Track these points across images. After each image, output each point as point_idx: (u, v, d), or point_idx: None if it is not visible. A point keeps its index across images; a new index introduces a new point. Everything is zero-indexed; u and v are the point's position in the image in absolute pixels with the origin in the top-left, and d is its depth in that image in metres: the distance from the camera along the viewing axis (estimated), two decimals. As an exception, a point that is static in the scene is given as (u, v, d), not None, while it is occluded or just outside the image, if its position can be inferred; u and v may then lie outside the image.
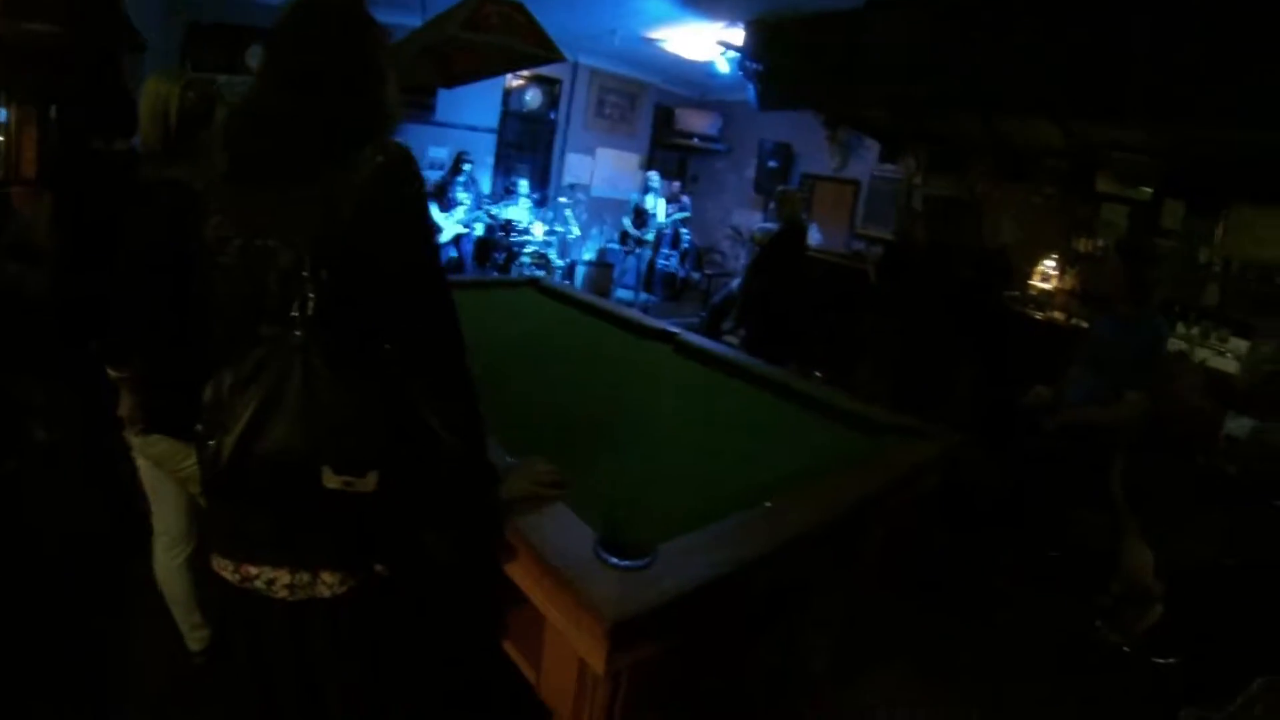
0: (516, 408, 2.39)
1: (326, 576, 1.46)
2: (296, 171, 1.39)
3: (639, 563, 1.43)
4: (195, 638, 2.54)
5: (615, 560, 1.42)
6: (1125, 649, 3.45)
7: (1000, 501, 4.39)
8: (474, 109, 9.49)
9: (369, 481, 1.39)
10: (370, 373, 1.43)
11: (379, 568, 1.54)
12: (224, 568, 1.50)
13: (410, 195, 1.43)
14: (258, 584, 1.46)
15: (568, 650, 1.49)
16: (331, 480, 1.36)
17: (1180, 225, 6.48)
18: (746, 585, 1.64)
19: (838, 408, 2.82)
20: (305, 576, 1.45)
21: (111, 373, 2.13)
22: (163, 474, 2.32)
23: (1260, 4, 3.83)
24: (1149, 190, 6.62)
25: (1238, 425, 3.58)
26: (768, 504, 1.84)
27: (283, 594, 1.46)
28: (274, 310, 1.36)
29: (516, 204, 9.18)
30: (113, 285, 2.05)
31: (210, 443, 1.38)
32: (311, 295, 1.34)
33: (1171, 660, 3.36)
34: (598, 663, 1.37)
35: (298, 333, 1.35)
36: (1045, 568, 4.05)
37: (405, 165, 1.41)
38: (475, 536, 1.64)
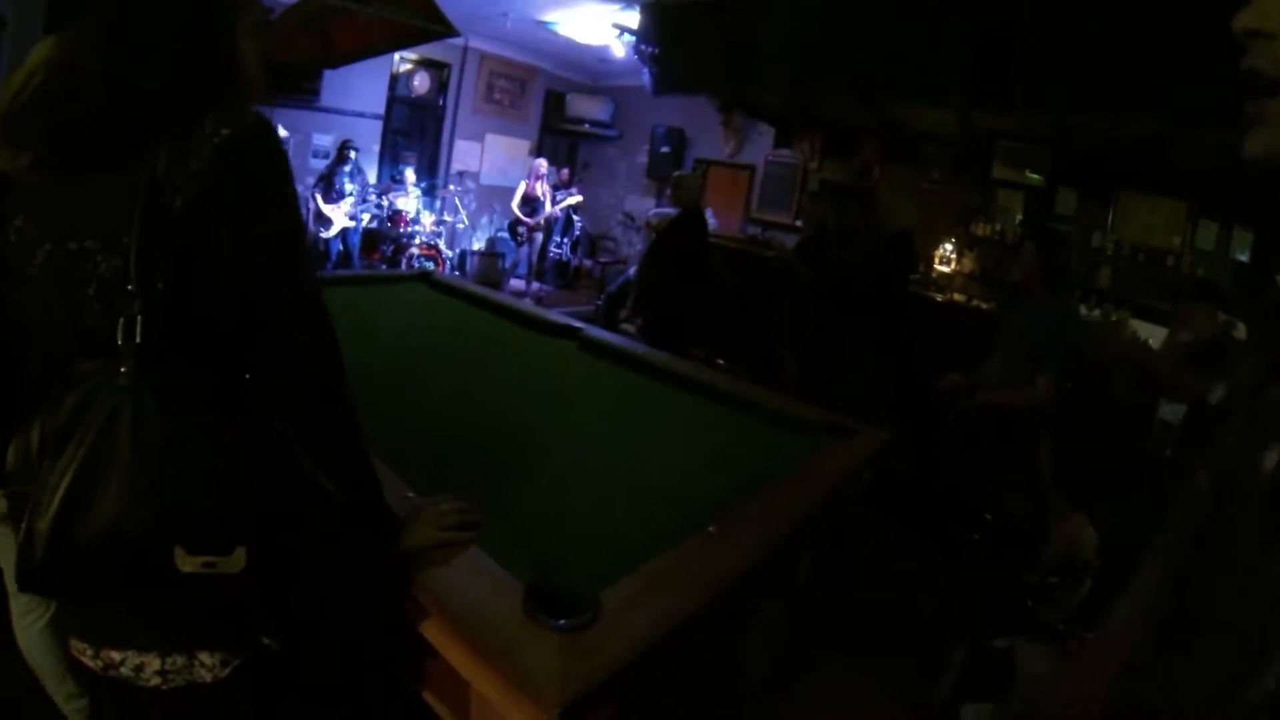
0: (412, 427, 2.12)
1: (205, 658, 1.16)
2: (117, 151, 1.04)
3: (580, 620, 1.19)
4: (72, 709, 2.15)
5: (552, 621, 1.18)
6: (1060, 627, 3.42)
7: (918, 486, 4.36)
8: (360, 94, 9.08)
9: (237, 559, 1.07)
10: (223, 415, 1.11)
11: (268, 642, 1.25)
12: (81, 651, 1.18)
13: (268, 179, 1.11)
14: (124, 671, 1.15)
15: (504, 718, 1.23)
16: (187, 563, 1.04)
17: (1074, 211, 6.73)
18: (702, 624, 1.43)
19: (761, 406, 2.65)
20: (179, 660, 1.15)
21: None
22: (6, 529, 1.97)
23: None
24: (1040, 177, 6.82)
25: (1171, 411, 3.63)
26: (711, 529, 1.63)
27: (154, 681, 1.15)
28: (94, 337, 1.03)
29: (405, 193, 8.80)
30: None
31: (21, 526, 1.03)
32: (141, 315, 1.02)
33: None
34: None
35: (124, 367, 1.01)
36: (969, 551, 4.03)
37: (260, 138, 1.09)
38: (377, 600, 1.38)
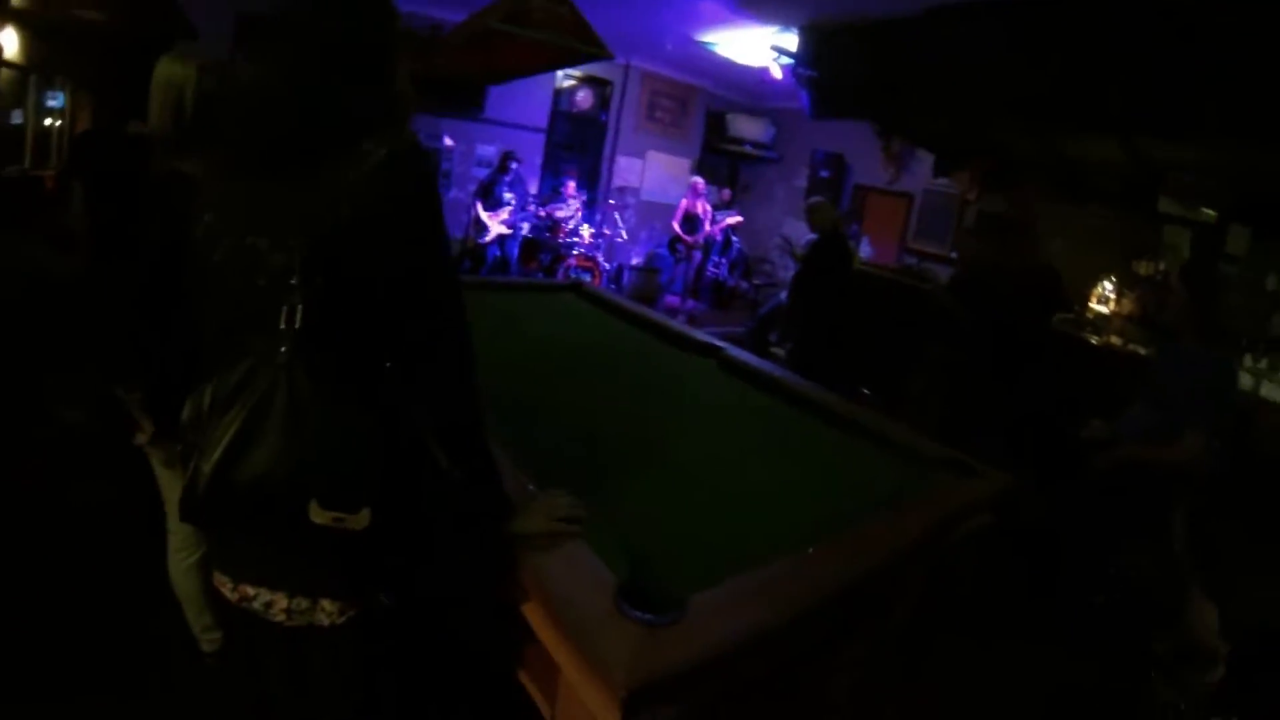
0: (544, 427, 2.27)
1: (326, 605, 1.35)
2: (294, 164, 1.25)
3: (665, 618, 1.28)
4: (208, 639, 2.46)
5: (638, 614, 1.27)
6: (1181, 706, 3.24)
7: (1044, 538, 4.20)
8: (524, 108, 9.44)
9: (362, 519, 1.24)
10: (366, 395, 1.29)
11: (382, 599, 1.42)
12: (223, 584, 1.40)
13: (417, 193, 1.28)
14: (255, 605, 1.35)
15: (583, 708, 1.34)
16: (319, 516, 1.21)
17: (1247, 251, 6.25)
18: (782, 642, 1.49)
19: (889, 438, 2.66)
20: (304, 603, 1.34)
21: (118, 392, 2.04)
22: (174, 474, 2.23)
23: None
24: (1212, 213, 6.37)
25: None
26: (810, 550, 1.69)
27: (280, 618, 1.35)
28: (261, 319, 1.22)
29: (564, 205, 9.10)
30: (132, 296, 1.95)
31: (190, 465, 1.25)
32: (301, 305, 1.20)
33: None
34: (611, 725, 1.23)
35: (284, 348, 1.21)
36: (1092, 614, 3.85)
37: (413, 159, 1.27)
38: (484, 574, 1.51)
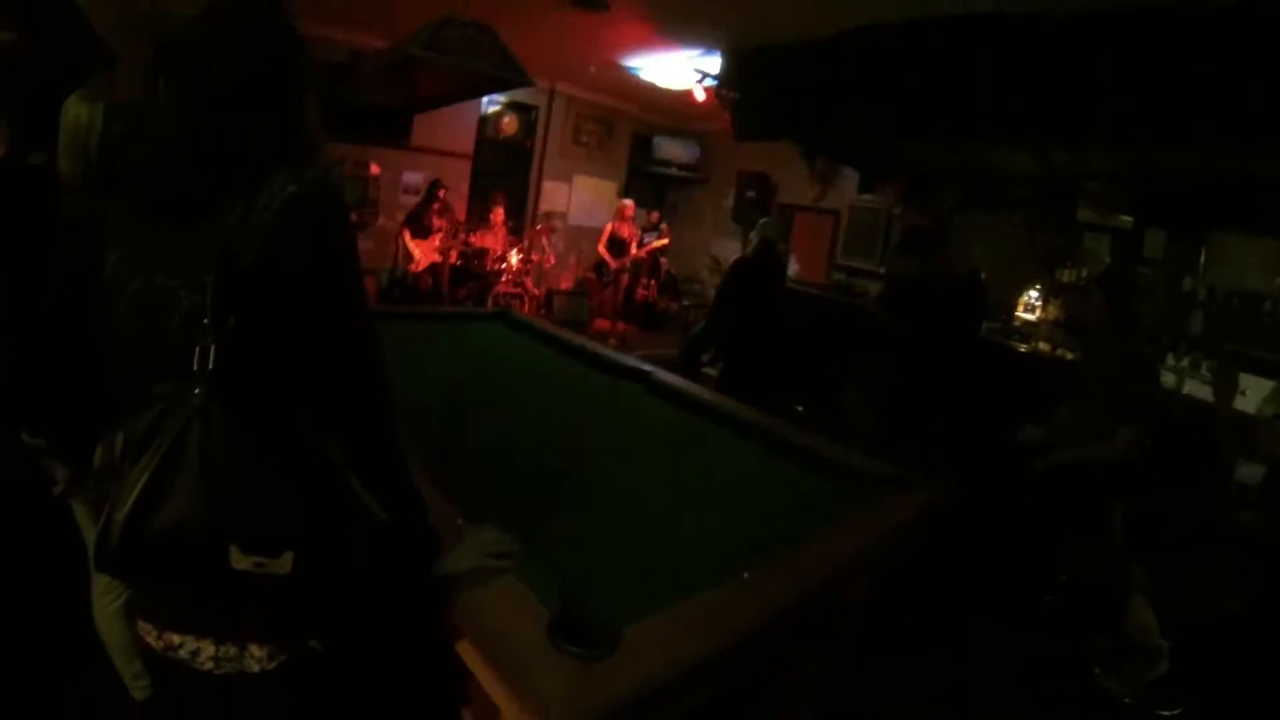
0: (473, 459, 2.24)
1: (255, 650, 1.30)
2: (200, 203, 1.20)
3: (599, 652, 1.25)
4: (138, 687, 2.37)
5: (572, 649, 1.24)
6: (1126, 700, 3.33)
7: (989, 541, 4.28)
8: (450, 134, 9.36)
9: (284, 563, 1.20)
10: (283, 437, 1.25)
11: (313, 643, 1.37)
12: (147, 632, 1.34)
13: (326, 230, 1.24)
14: (181, 653, 1.29)
15: None
16: (241, 561, 1.17)
17: (1163, 254, 6.48)
18: (722, 669, 1.48)
19: (822, 456, 2.67)
20: (231, 649, 1.29)
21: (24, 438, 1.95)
22: (86, 510, 2.17)
23: (1225, 31, 3.77)
24: (1129, 219, 6.60)
25: (1250, 472, 3.45)
26: (746, 575, 1.67)
27: (208, 666, 1.29)
28: (172, 363, 1.17)
29: (492, 232, 9.05)
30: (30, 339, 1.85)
31: (101, 515, 1.19)
32: (214, 345, 1.16)
33: (1176, 712, 3.26)
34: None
35: (197, 389, 1.16)
36: (1038, 612, 3.92)
37: (322, 195, 1.23)
38: (417, 615, 1.47)
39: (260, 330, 1.19)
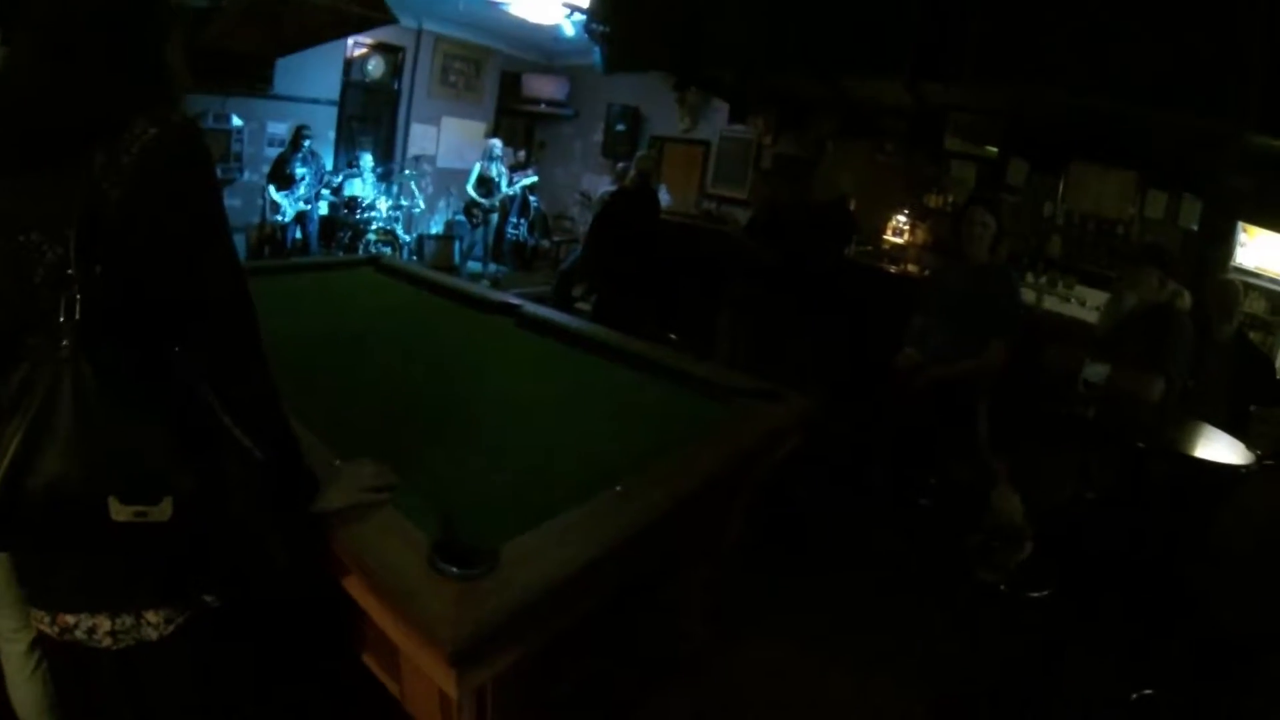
0: (347, 401, 2.22)
1: (150, 616, 1.28)
2: (57, 153, 1.15)
3: (479, 570, 1.28)
4: None
5: (453, 570, 1.27)
6: (1001, 587, 3.55)
7: (864, 453, 4.46)
8: (315, 81, 9.00)
9: (164, 509, 1.18)
10: (154, 383, 1.23)
11: (208, 598, 1.36)
12: (41, 620, 1.31)
13: (190, 173, 1.21)
14: (78, 634, 1.27)
15: (422, 673, 1.34)
16: (120, 513, 1.15)
17: (1025, 182, 6.84)
18: (604, 577, 1.52)
19: (690, 375, 2.73)
20: (127, 620, 1.27)
21: None
22: None
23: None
24: (994, 149, 6.91)
25: (1094, 371, 3.71)
26: (619, 488, 1.72)
27: (106, 642, 1.27)
28: (40, 317, 1.13)
29: (361, 179, 8.80)
30: None
31: None
32: (80, 295, 1.12)
33: (1045, 593, 3.49)
34: (449, 688, 1.23)
35: (65, 342, 1.12)
36: (914, 518, 4.14)
37: (184, 137, 1.19)
38: (299, 554, 1.46)
39: (126, 276, 1.16)
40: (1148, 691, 2.86)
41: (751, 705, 2.68)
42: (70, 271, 1.11)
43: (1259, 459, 3.02)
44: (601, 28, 6.78)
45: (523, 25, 8.99)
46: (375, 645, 1.59)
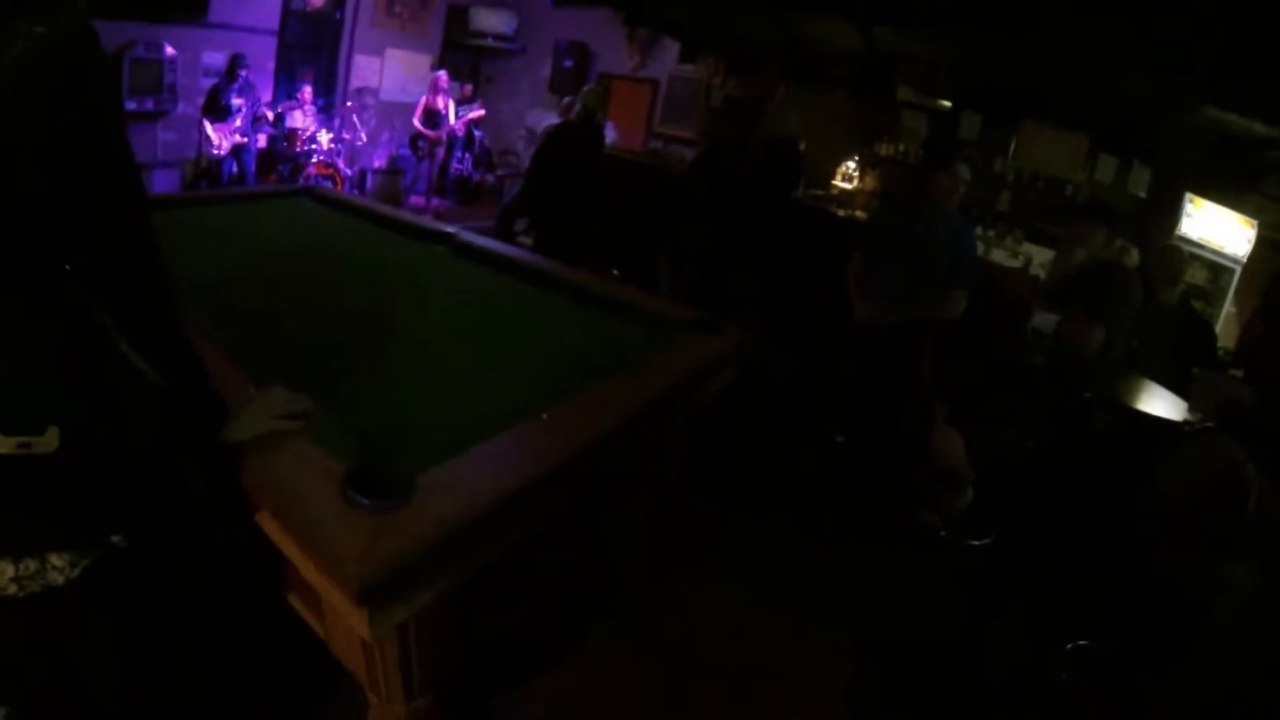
0: (271, 328, 2.13)
1: (55, 560, 1.21)
2: None
3: (392, 501, 1.22)
4: None
5: (364, 501, 1.21)
6: (942, 533, 3.60)
7: (805, 395, 4.47)
8: (253, 9, 8.57)
9: (50, 439, 1.11)
10: (39, 304, 1.14)
11: (115, 539, 1.28)
12: None
13: (76, 69, 1.09)
14: None
15: (340, 613, 1.28)
16: (2, 444, 1.08)
17: (977, 136, 6.95)
18: (527, 508, 1.46)
19: (625, 305, 2.68)
20: (31, 564, 1.19)
21: None
22: None
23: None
24: (947, 103, 7.01)
25: (1042, 320, 3.74)
26: (544, 416, 1.67)
27: (11, 590, 1.19)
28: None
29: (301, 111, 8.50)
30: None
31: None
32: None
33: (985, 541, 3.54)
34: (362, 628, 1.18)
35: None
36: (835, 452, 4.17)
37: (72, 34, 1.07)
38: (209, 486, 1.39)
39: (13, 182, 1.06)
40: (1083, 642, 2.91)
41: (686, 646, 2.68)
42: None
43: (1200, 419, 3.07)
44: (552, -41, 6.59)
45: (472, -45, 8.73)
46: (298, 584, 1.53)
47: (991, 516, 3.64)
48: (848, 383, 4.34)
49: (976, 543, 3.54)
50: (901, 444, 3.97)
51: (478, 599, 1.58)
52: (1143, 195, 6.25)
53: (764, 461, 4.17)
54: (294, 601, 1.63)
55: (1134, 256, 3.85)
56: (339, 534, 1.16)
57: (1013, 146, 6.80)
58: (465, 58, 11.25)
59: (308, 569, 1.25)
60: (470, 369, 2.07)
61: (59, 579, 1.22)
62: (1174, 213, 6.06)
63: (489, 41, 10.85)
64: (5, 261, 1.10)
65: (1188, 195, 6.04)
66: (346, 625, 1.33)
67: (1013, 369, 3.95)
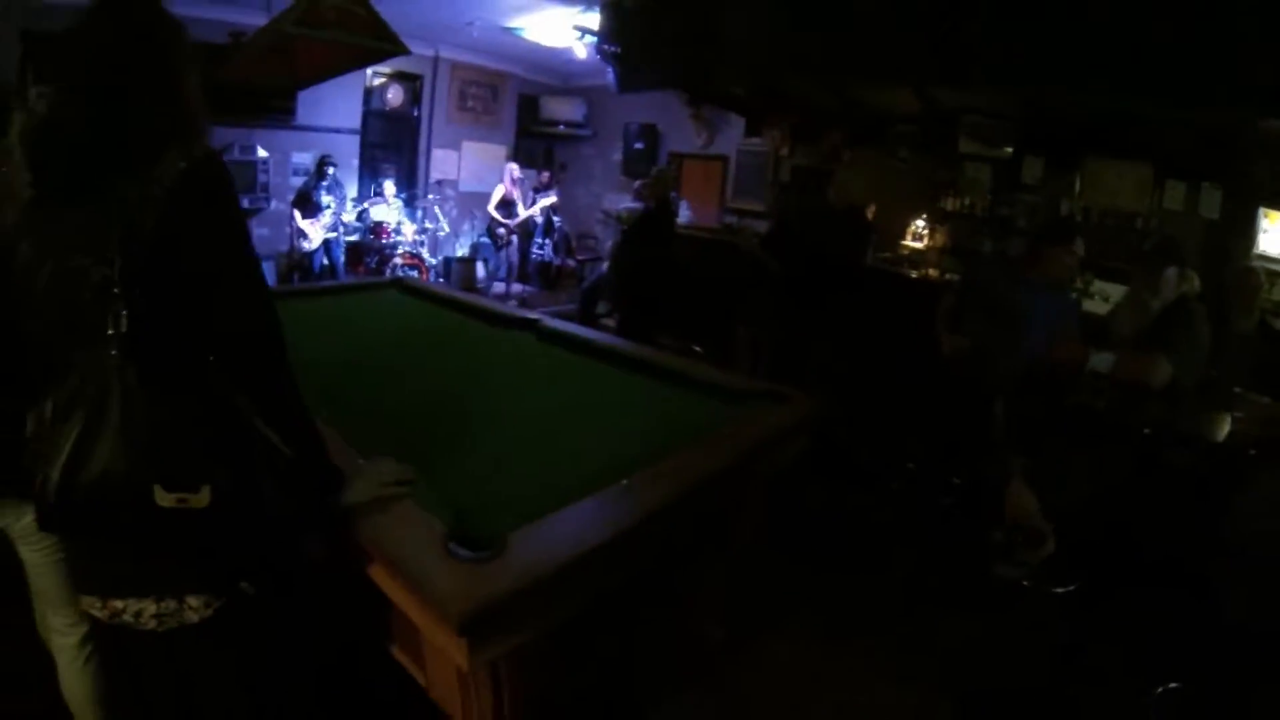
0: (369, 409, 2.37)
1: (192, 601, 1.44)
2: (98, 185, 1.31)
3: (484, 554, 1.41)
4: None
5: (462, 553, 1.40)
6: (1024, 583, 3.57)
7: (884, 455, 4.50)
8: (335, 111, 9.22)
9: (203, 497, 1.33)
10: (192, 386, 1.38)
11: (244, 585, 1.51)
12: (92, 605, 1.48)
13: (216, 199, 1.37)
14: (126, 617, 1.43)
15: (441, 652, 1.47)
16: (164, 499, 1.30)
17: (1040, 179, 6.81)
18: (609, 564, 1.63)
19: (698, 379, 2.84)
20: (171, 604, 1.43)
21: None
22: (40, 554, 1.94)
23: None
24: (1009, 150, 6.89)
25: (1100, 360, 3.65)
26: (624, 482, 1.84)
27: (151, 625, 1.43)
28: (89, 332, 1.29)
29: (385, 205, 9.00)
30: None
31: (38, 477, 1.32)
32: (125, 311, 1.27)
33: (1070, 588, 3.51)
34: (462, 660, 1.35)
35: (113, 352, 1.28)
36: (936, 516, 4.20)
37: (209, 168, 1.35)
38: (327, 544, 1.59)
39: (164, 295, 1.31)
40: (1173, 686, 2.87)
41: (771, 706, 2.73)
42: (116, 290, 1.27)
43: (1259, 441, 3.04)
44: (612, 48, 6.91)
45: (537, 49, 9.18)
46: (401, 636, 1.72)
47: (1076, 564, 3.60)
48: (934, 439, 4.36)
49: (1061, 591, 3.52)
50: (983, 496, 3.97)
51: (563, 645, 1.74)
52: (1215, 217, 6.03)
53: (843, 519, 4.22)
54: (397, 654, 1.80)
55: (1195, 284, 3.77)
56: (442, 580, 1.35)
57: (1078, 186, 6.65)
58: (539, 145, 11.72)
59: (415, 611, 1.43)
60: (554, 443, 2.25)
61: (194, 618, 1.44)
62: (1249, 231, 5.87)
63: (560, 129, 11.28)
64: (167, 353, 1.34)
65: (1261, 210, 5.85)
66: (446, 662, 1.51)
67: (1075, 413, 3.90)
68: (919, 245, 7.77)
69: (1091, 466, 3.81)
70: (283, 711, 1.71)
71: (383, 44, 4.35)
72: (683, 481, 1.92)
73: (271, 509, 1.48)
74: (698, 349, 5.62)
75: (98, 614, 1.47)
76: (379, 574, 1.54)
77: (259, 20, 6.71)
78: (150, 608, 1.42)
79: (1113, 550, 3.57)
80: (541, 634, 1.53)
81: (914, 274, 7.07)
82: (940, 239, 7.64)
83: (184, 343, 1.37)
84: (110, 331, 1.28)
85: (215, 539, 1.40)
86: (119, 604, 1.43)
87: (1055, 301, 3.95)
